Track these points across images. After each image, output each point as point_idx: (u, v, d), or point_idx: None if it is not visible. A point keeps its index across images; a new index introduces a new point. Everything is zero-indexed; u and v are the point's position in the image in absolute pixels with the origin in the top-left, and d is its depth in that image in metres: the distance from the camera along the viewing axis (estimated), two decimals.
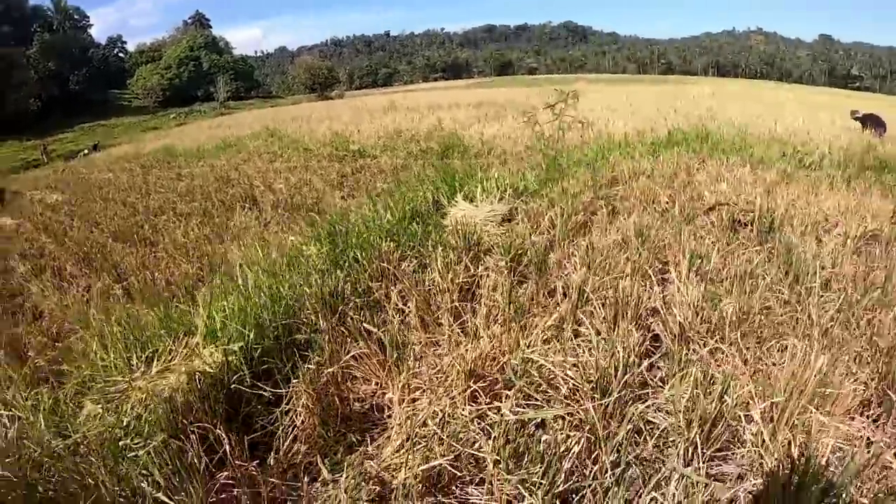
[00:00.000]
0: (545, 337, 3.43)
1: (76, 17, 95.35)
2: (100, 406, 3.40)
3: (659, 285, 4.35)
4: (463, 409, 2.92)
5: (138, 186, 17.94)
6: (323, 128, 24.74)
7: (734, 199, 6.63)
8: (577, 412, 2.79)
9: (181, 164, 21.79)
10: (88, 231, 12.62)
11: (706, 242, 5.26)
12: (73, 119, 73.01)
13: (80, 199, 18.11)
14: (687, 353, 3.40)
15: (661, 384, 3.22)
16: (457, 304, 4.00)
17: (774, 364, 3.26)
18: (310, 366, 3.26)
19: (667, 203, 6.62)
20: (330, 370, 3.20)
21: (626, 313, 3.67)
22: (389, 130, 20.20)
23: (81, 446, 2.90)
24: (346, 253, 5.24)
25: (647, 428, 2.84)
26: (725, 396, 2.77)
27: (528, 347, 3.21)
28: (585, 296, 3.86)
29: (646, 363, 3.26)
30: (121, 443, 2.92)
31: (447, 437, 2.71)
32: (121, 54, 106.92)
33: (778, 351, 3.44)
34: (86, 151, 47.72)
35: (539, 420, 2.84)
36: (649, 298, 4.01)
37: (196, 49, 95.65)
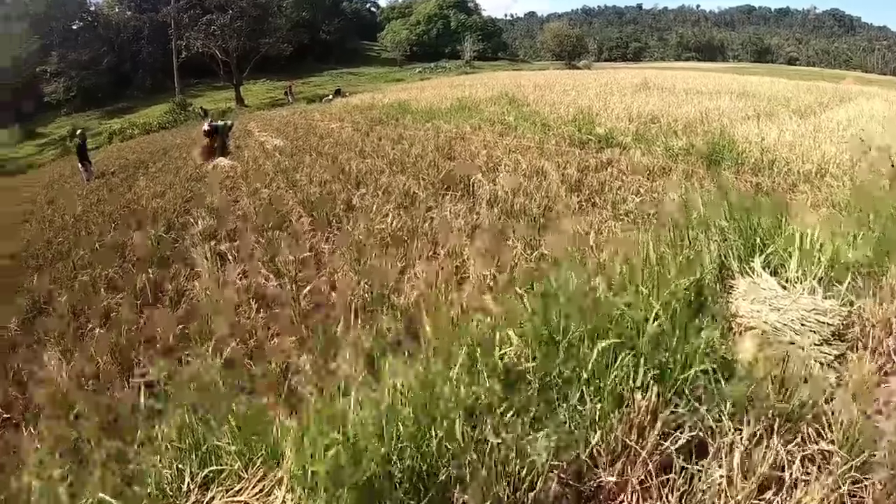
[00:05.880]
0: None
1: None
2: None
3: None
4: None
5: (356, 143, 17.25)
6: (567, 100, 22.12)
7: None
8: None
9: (407, 124, 20.86)
10: (285, 189, 11.83)
11: None
12: (323, 64, 77.88)
13: (296, 149, 18.07)
14: None
15: None
16: None
17: None
18: None
19: None
20: None
21: None
22: (642, 114, 17.21)
23: None
24: (565, 365, 3.02)
25: None
26: None
27: None
28: None
29: None
30: None
31: None
32: (372, 9, 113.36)
33: None
34: (329, 97, 50.17)
35: None
36: None
37: (445, 8, 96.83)
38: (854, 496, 2.64)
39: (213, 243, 8.69)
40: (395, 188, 9.95)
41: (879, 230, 5.04)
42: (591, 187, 9.15)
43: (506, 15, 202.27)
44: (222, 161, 17.37)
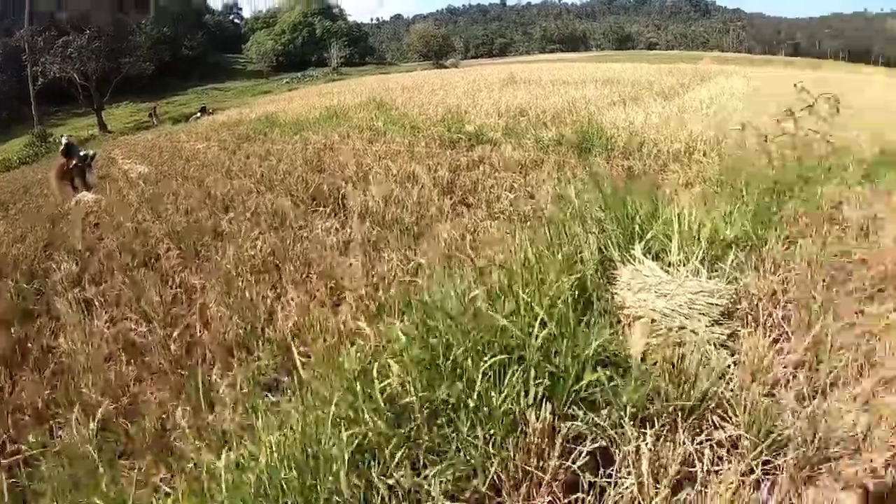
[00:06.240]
0: None
1: None
2: None
3: None
4: None
5: (223, 163, 16.49)
6: (435, 100, 22.02)
7: None
8: None
9: (275, 138, 20.20)
10: (152, 221, 10.97)
11: None
12: (186, 82, 74.79)
13: (162, 175, 17.15)
14: None
15: None
16: None
17: None
18: None
19: None
20: None
21: None
22: (511, 108, 17.21)
23: None
24: (451, 391, 2.77)
25: None
26: None
27: None
28: None
29: None
30: None
31: None
32: (236, 20, 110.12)
33: None
34: (197, 115, 48.95)
35: None
36: None
37: (310, 16, 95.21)
38: (769, 475, 2.58)
39: (77, 290, 7.94)
40: (264, 208, 9.41)
41: (753, 204, 5.07)
42: (463, 188, 8.95)
43: (372, 19, 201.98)
44: (85, 196, 16.10)
